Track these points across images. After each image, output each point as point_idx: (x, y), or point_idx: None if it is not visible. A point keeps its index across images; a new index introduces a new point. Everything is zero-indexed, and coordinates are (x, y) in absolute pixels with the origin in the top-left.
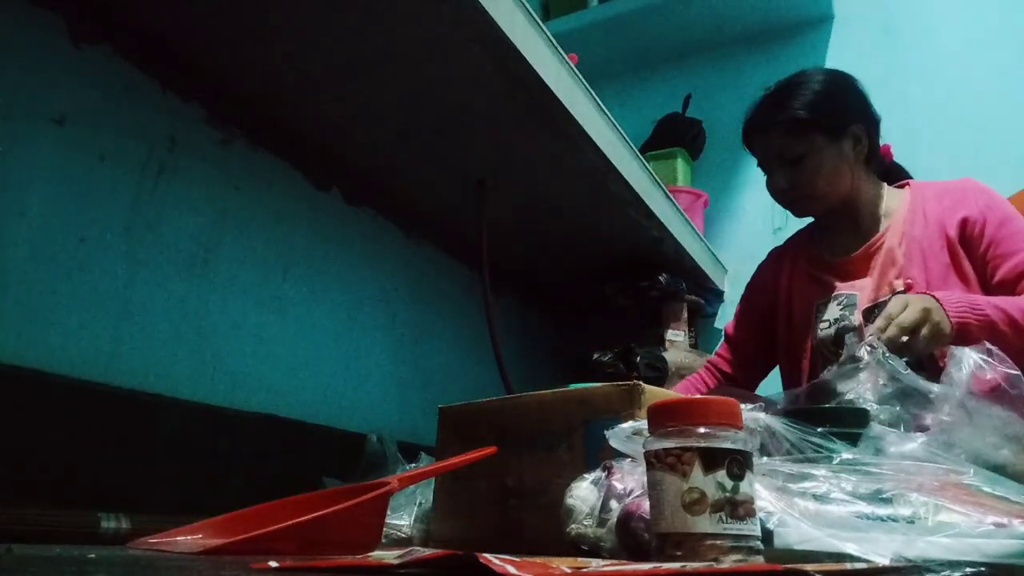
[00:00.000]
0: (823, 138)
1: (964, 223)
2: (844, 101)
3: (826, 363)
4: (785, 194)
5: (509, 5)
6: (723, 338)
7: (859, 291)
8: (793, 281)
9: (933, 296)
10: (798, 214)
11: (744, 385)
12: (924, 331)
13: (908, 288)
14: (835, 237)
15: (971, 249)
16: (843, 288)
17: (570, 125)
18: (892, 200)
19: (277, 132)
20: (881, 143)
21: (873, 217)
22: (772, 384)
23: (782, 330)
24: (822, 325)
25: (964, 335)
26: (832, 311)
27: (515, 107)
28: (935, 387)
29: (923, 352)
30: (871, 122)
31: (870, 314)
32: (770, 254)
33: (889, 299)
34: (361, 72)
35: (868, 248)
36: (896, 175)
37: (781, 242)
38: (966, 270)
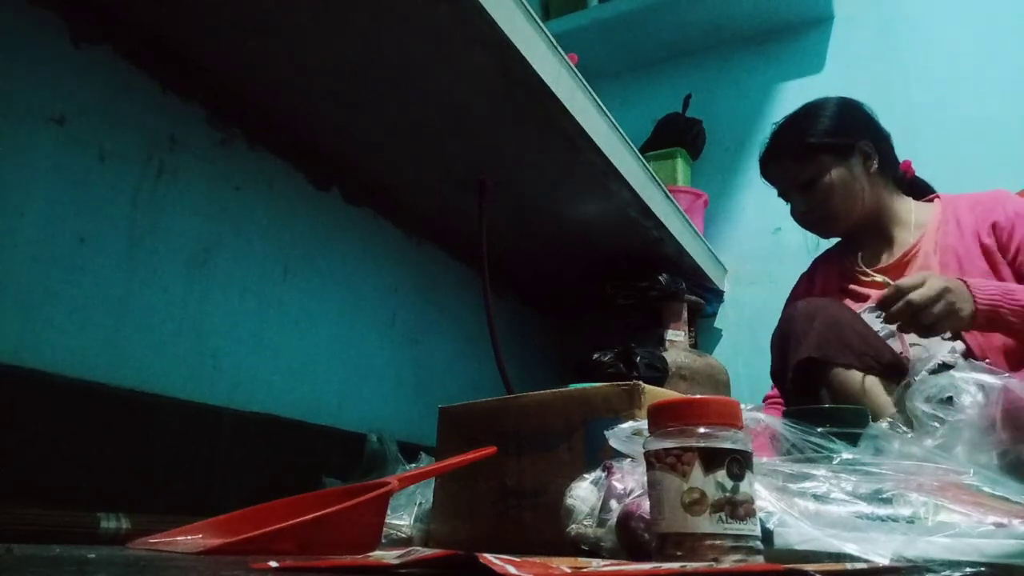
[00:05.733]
0: (831, 159)
1: (994, 228)
2: (848, 121)
3: None
4: (805, 217)
5: (509, 5)
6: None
7: None
8: (824, 294)
9: (963, 279)
10: (823, 235)
11: None
12: (937, 308)
13: None
14: (867, 250)
15: (1005, 254)
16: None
17: (570, 125)
18: (922, 213)
19: (277, 132)
20: (901, 159)
21: (904, 230)
22: None
23: None
24: None
25: (994, 320)
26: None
27: (515, 107)
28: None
29: (936, 332)
30: (879, 138)
31: None
32: (802, 276)
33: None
34: (361, 72)
35: (903, 257)
36: (921, 190)
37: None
38: (1004, 276)
